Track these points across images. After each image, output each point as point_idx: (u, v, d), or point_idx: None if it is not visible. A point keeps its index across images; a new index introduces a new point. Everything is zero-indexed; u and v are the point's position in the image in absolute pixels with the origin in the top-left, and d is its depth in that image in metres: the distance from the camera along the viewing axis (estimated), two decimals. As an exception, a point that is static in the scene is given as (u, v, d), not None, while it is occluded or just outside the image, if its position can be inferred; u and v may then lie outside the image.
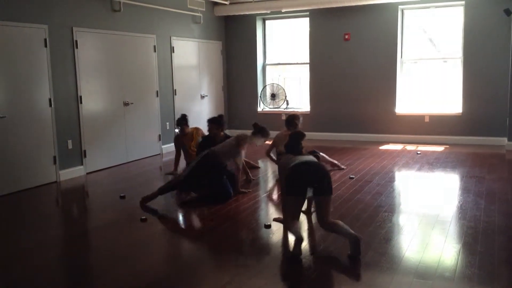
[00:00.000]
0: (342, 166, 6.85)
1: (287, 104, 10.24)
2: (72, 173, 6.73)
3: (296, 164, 3.87)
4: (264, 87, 10.41)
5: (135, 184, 6.40)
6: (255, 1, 9.48)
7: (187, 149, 6.81)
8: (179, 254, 4.12)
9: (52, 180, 6.46)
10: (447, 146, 8.47)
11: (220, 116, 6.48)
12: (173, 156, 8.37)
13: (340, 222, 3.79)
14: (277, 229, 4.39)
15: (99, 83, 7.19)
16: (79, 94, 6.81)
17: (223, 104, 10.46)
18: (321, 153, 6.46)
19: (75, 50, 6.72)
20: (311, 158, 4.03)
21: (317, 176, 3.83)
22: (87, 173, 6.96)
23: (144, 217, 4.72)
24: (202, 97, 9.71)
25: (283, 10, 9.50)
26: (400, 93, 9.22)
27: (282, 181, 4.13)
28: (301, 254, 3.65)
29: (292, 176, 3.84)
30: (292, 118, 6.21)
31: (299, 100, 10.32)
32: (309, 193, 3.82)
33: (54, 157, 6.47)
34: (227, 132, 7.22)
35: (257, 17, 10.15)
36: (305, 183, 3.79)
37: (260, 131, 5.70)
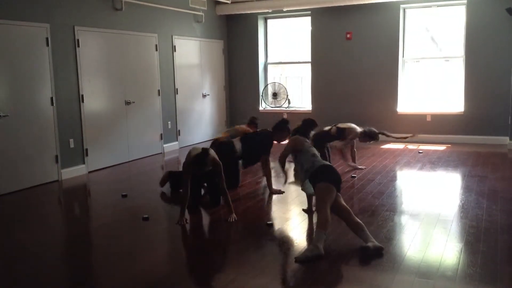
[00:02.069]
0: (360, 167, 6.83)
1: (289, 103, 10.24)
2: (74, 172, 6.73)
3: (324, 164, 4.09)
4: (266, 86, 10.41)
5: (136, 183, 6.41)
6: (257, 0, 9.48)
7: None
8: (181, 252, 4.12)
9: (54, 179, 6.47)
10: (449, 145, 8.46)
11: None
12: (173, 156, 8.40)
13: (361, 224, 3.80)
14: (279, 227, 4.40)
15: (101, 82, 7.19)
16: (81, 93, 6.81)
17: (225, 103, 10.46)
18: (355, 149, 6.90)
19: (77, 49, 6.72)
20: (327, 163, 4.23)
21: (339, 176, 4.06)
22: (89, 172, 6.97)
23: (146, 216, 4.72)
24: (204, 96, 9.71)
25: (285, 9, 9.49)
26: (401, 92, 9.21)
27: (287, 149, 4.40)
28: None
29: (324, 168, 4.03)
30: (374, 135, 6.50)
31: (300, 99, 10.32)
32: (310, 189, 4.02)
33: (56, 156, 6.48)
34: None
35: (259, 16, 10.15)
36: (334, 175, 3.99)
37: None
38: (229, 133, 6.45)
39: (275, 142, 5.69)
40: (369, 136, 6.45)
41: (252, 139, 5.74)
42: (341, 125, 6.56)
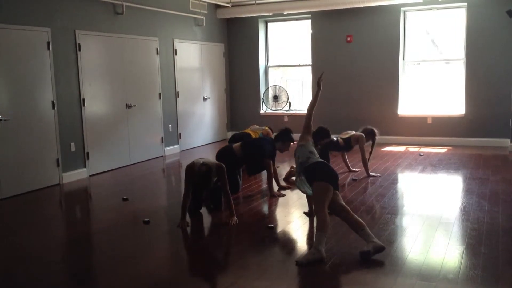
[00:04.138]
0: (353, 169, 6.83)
1: (290, 106, 10.25)
2: (75, 176, 6.74)
3: (319, 161, 4.03)
4: (267, 89, 10.42)
5: (138, 186, 6.41)
6: (257, 4, 9.49)
7: None
8: (182, 255, 4.12)
9: (55, 182, 6.47)
10: (450, 148, 8.45)
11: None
12: (174, 159, 8.42)
13: (361, 223, 3.78)
14: (280, 230, 4.39)
15: (102, 85, 7.20)
16: (82, 97, 6.82)
17: (225, 106, 10.47)
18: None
19: (78, 53, 6.74)
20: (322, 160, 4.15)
21: (335, 173, 4.03)
22: (90, 176, 6.97)
23: (147, 219, 4.72)
24: (205, 99, 9.72)
25: (285, 13, 9.50)
26: (402, 95, 9.21)
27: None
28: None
29: (319, 165, 3.97)
30: (370, 131, 6.56)
31: (301, 102, 10.33)
32: (304, 187, 4.04)
33: (57, 160, 6.48)
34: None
35: (259, 20, 10.16)
36: (330, 173, 3.94)
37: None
38: (258, 132, 6.71)
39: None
40: (371, 134, 6.55)
41: (252, 145, 5.77)
42: (344, 136, 6.54)
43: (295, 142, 5.72)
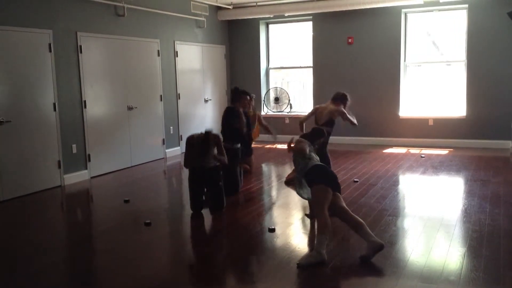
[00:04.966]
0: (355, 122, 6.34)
1: (291, 107, 10.25)
2: (76, 177, 6.74)
3: (317, 164, 4.05)
4: (268, 91, 10.43)
5: (139, 188, 6.41)
6: (259, 6, 9.51)
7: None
8: (182, 258, 4.11)
9: (57, 184, 6.47)
10: (451, 149, 8.45)
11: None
12: (176, 161, 8.41)
13: (360, 222, 3.77)
14: (281, 233, 4.39)
15: (103, 87, 7.21)
16: (83, 99, 6.83)
17: (226, 108, 10.47)
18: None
19: (80, 54, 6.75)
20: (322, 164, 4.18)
21: (333, 175, 4.09)
22: (91, 177, 6.97)
23: (148, 221, 4.72)
24: (206, 101, 9.72)
25: (286, 14, 9.52)
26: (403, 97, 9.21)
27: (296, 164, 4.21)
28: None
29: (317, 168, 3.99)
30: (342, 95, 6.23)
31: (302, 103, 10.33)
32: (304, 193, 4.06)
33: (59, 162, 6.49)
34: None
35: (261, 21, 10.17)
36: (328, 176, 3.98)
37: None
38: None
39: (246, 111, 6.52)
40: (341, 99, 6.17)
41: (227, 125, 6.37)
42: (322, 122, 6.06)
43: (251, 95, 6.76)
